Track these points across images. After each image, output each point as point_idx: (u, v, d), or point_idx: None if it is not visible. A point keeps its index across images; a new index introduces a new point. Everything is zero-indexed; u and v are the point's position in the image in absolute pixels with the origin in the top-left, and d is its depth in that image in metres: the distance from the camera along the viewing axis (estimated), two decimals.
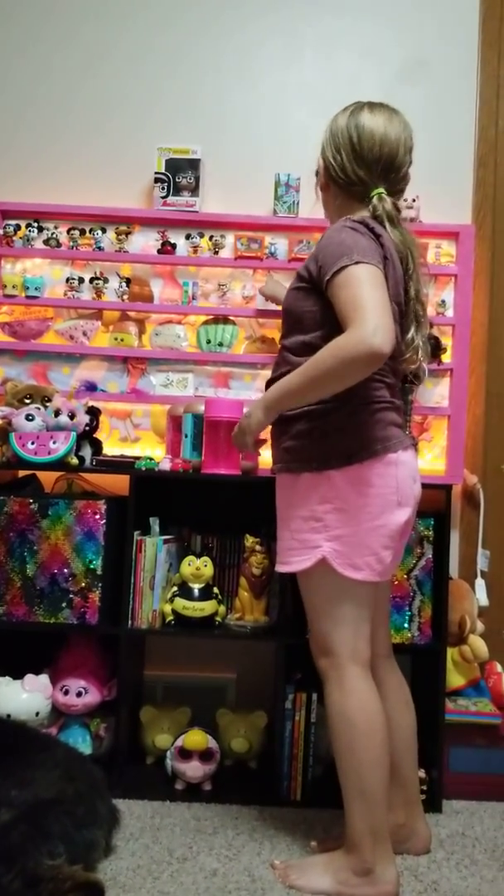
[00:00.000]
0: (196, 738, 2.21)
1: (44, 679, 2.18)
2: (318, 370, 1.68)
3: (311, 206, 2.69)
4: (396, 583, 2.24)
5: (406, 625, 2.25)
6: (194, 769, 2.20)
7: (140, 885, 1.72)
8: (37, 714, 2.13)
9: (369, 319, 1.60)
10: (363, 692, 1.76)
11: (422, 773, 2.19)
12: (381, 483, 1.75)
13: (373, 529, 1.75)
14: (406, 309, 1.86)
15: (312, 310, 1.79)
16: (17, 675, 2.17)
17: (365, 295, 1.64)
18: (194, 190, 2.71)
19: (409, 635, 2.26)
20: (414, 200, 2.70)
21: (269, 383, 1.91)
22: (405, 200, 2.68)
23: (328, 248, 1.74)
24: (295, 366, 1.77)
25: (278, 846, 1.94)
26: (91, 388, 2.72)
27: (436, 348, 2.57)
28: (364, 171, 1.85)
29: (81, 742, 2.25)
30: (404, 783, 1.91)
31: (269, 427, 1.90)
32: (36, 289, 2.71)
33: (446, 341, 2.70)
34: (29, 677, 2.16)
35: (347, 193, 1.89)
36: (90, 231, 2.73)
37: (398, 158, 1.86)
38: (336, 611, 1.79)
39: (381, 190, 1.86)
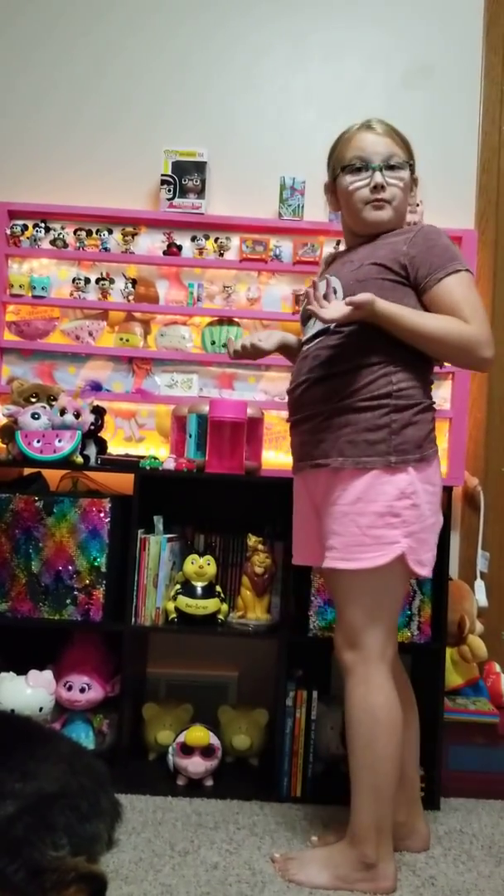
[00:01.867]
0: (198, 735, 2.23)
1: (48, 675, 2.21)
2: (440, 331, 1.76)
3: (316, 209, 2.74)
4: None
5: (406, 624, 2.27)
6: (196, 765, 2.23)
7: (142, 877, 1.75)
8: (40, 709, 2.15)
9: (485, 331, 1.76)
10: (389, 690, 1.78)
11: (420, 771, 2.22)
12: (438, 480, 1.84)
13: (433, 525, 1.82)
14: None
15: (405, 303, 1.80)
16: (22, 670, 2.19)
17: (478, 303, 1.79)
18: (200, 192, 2.74)
19: (409, 634, 2.28)
20: (417, 205, 2.72)
21: (316, 382, 1.85)
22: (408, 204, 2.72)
23: (436, 250, 1.81)
24: (358, 362, 1.80)
25: (278, 841, 1.96)
26: (96, 387, 2.75)
27: None
28: None
29: (84, 737, 2.28)
30: (407, 782, 1.92)
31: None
32: (42, 289, 2.74)
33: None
34: (33, 673, 2.18)
35: None
36: (97, 232, 2.76)
37: None
38: (379, 608, 1.79)
39: None
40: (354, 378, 1.80)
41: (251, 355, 2.06)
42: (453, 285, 1.77)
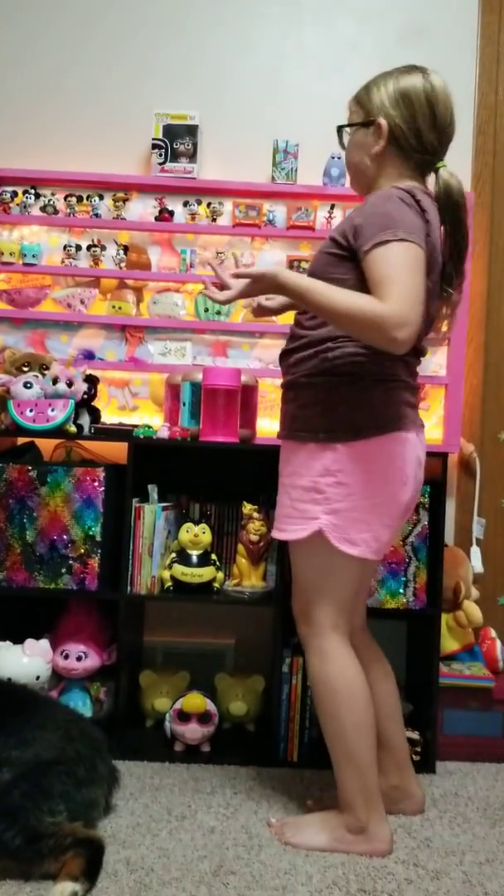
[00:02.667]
0: (195, 701, 2.24)
1: (44, 644, 2.21)
2: (347, 307, 1.61)
3: (309, 172, 2.70)
4: (392, 549, 2.26)
5: (401, 590, 2.28)
6: (193, 731, 2.24)
7: (139, 841, 1.76)
8: (37, 678, 2.15)
9: (398, 310, 1.57)
10: (342, 658, 1.78)
11: (416, 735, 2.24)
12: (386, 462, 1.74)
13: (374, 507, 1.74)
14: (440, 288, 1.80)
15: (345, 277, 1.71)
16: (18, 639, 2.19)
17: (402, 278, 1.60)
18: (192, 156, 2.70)
19: (405, 601, 2.28)
20: None
21: (283, 355, 1.88)
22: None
23: (372, 217, 1.66)
24: (310, 337, 1.78)
25: (275, 805, 1.98)
26: (89, 356, 2.73)
27: None
28: (437, 140, 1.76)
29: (82, 705, 2.29)
30: (392, 747, 1.93)
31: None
32: (33, 256, 2.70)
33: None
34: (29, 642, 2.18)
35: (409, 161, 1.77)
36: (87, 198, 2.72)
37: (454, 130, 1.80)
38: (323, 583, 1.80)
39: (444, 163, 1.79)
40: (301, 353, 1.81)
41: (264, 313, 2.08)
42: (377, 258, 1.62)
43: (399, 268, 1.61)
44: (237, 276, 1.79)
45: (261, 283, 1.74)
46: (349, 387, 1.74)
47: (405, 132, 1.74)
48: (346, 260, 1.72)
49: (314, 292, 1.66)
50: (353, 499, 1.74)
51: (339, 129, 1.86)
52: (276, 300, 2.04)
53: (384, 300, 1.58)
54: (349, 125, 1.84)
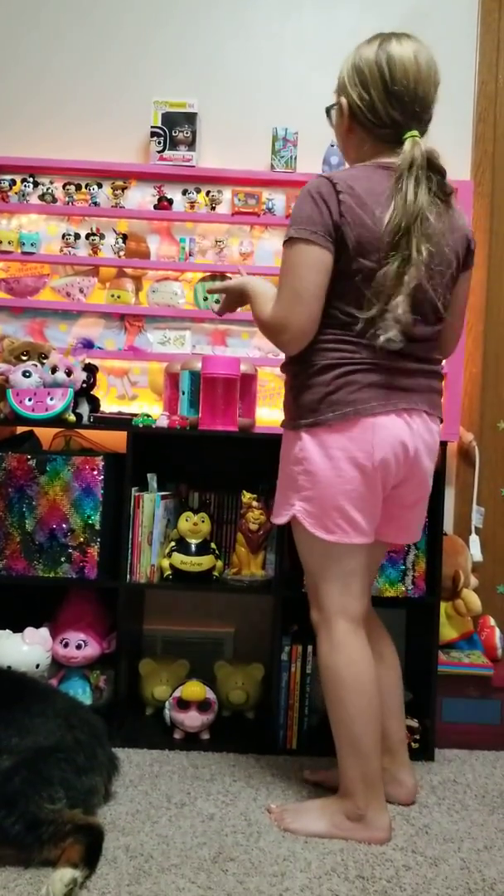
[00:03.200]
0: (194, 689, 2.25)
1: (44, 632, 2.21)
2: (257, 317, 1.80)
3: (309, 160, 2.69)
4: None
5: (400, 579, 2.28)
6: (192, 719, 2.25)
7: (139, 828, 1.77)
8: (37, 666, 2.16)
9: (275, 315, 1.70)
10: (351, 646, 1.78)
11: (415, 723, 2.25)
12: (350, 447, 1.70)
13: (341, 493, 1.72)
14: (385, 272, 1.65)
15: None
16: (18, 628, 2.20)
17: (283, 282, 1.69)
18: (191, 144, 2.69)
19: (404, 589, 2.29)
20: None
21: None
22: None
23: (294, 209, 1.73)
24: None
25: (274, 792, 1.99)
26: (88, 345, 2.72)
27: None
28: (398, 111, 1.68)
29: (81, 693, 2.29)
30: (386, 733, 1.92)
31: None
32: (32, 245, 2.70)
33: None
34: (29, 630, 2.19)
35: (377, 138, 1.72)
36: (86, 186, 2.71)
37: (430, 93, 1.70)
38: (323, 567, 1.81)
39: (416, 133, 1.68)
40: None
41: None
42: (282, 258, 1.71)
43: (283, 270, 1.70)
44: (210, 291, 2.01)
45: (233, 295, 1.91)
46: (306, 373, 1.75)
47: (362, 108, 1.70)
48: None
49: (252, 303, 1.82)
50: (320, 486, 1.74)
51: (327, 111, 1.84)
52: None
53: (273, 308, 1.72)
54: (329, 108, 1.83)
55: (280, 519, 1.85)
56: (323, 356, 1.73)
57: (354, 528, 1.75)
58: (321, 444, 1.73)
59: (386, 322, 1.66)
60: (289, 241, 1.68)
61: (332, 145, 2.68)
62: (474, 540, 2.72)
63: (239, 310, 1.99)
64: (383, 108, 1.69)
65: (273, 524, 1.94)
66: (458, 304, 1.87)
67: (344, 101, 1.74)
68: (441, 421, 1.87)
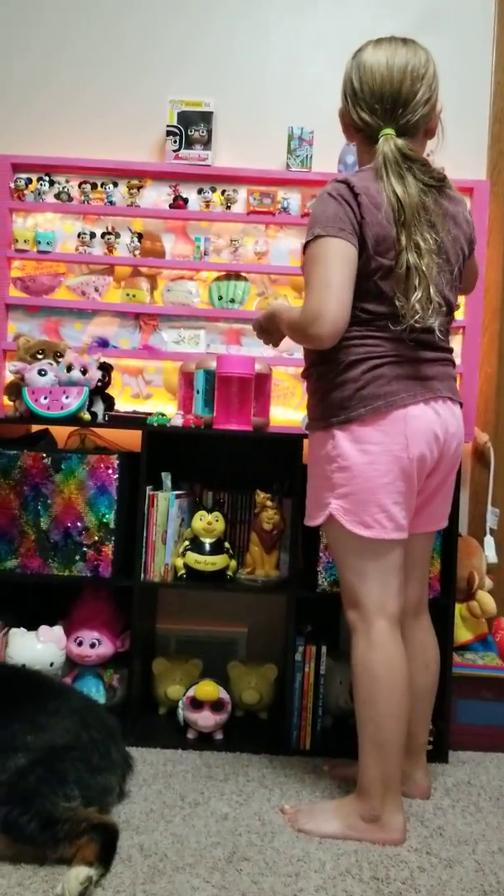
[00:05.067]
0: (207, 689, 2.25)
1: (58, 630, 2.22)
2: (285, 324, 1.84)
3: (324, 160, 2.69)
4: None
5: None
6: (205, 719, 2.25)
7: (153, 827, 1.77)
8: (51, 664, 2.17)
9: (309, 308, 1.68)
10: (388, 646, 1.77)
11: (429, 725, 2.24)
12: (386, 440, 1.73)
13: (379, 487, 1.74)
14: (397, 264, 1.71)
15: None
16: (32, 626, 2.20)
17: (313, 276, 1.69)
18: (207, 143, 2.69)
19: None
20: (428, 155, 2.65)
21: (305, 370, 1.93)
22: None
23: (309, 220, 1.75)
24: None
25: (288, 793, 1.98)
26: (103, 344, 2.72)
27: None
28: (367, 112, 1.75)
29: (95, 692, 2.30)
30: (411, 736, 1.91)
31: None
32: (48, 243, 2.70)
33: (459, 299, 2.68)
34: (43, 628, 2.19)
35: (362, 139, 1.82)
36: (102, 185, 2.71)
37: (403, 92, 1.72)
38: (359, 565, 1.79)
39: (390, 131, 1.74)
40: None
41: None
42: (305, 258, 1.74)
43: (310, 267, 1.71)
44: (258, 331, 2.06)
45: (268, 322, 1.98)
46: (334, 370, 1.77)
47: (345, 115, 1.82)
48: None
49: (282, 318, 1.87)
50: (356, 482, 1.74)
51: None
52: None
53: (305, 300, 1.71)
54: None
55: (315, 521, 1.84)
56: (349, 353, 1.75)
57: (393, 522, 1.76)
58: (355, 440, 1.74)
59: (409, 312, 1.70)
60: (314, 240, 1.69)
61: (348, 144, 2.67)
62: (489, 541, 2.71)
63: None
64: (354, 111, 1.78)
65: (307, 525, 1.91)
66: (469, 277, 1.98)
67: (340, 110, 1.85)
68: (461, 405, 1.89)
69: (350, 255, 1.69)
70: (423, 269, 1.70)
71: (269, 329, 1.98)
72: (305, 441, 2.26)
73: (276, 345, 2.04)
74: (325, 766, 2.05)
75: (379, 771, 1.75)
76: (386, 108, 1.74)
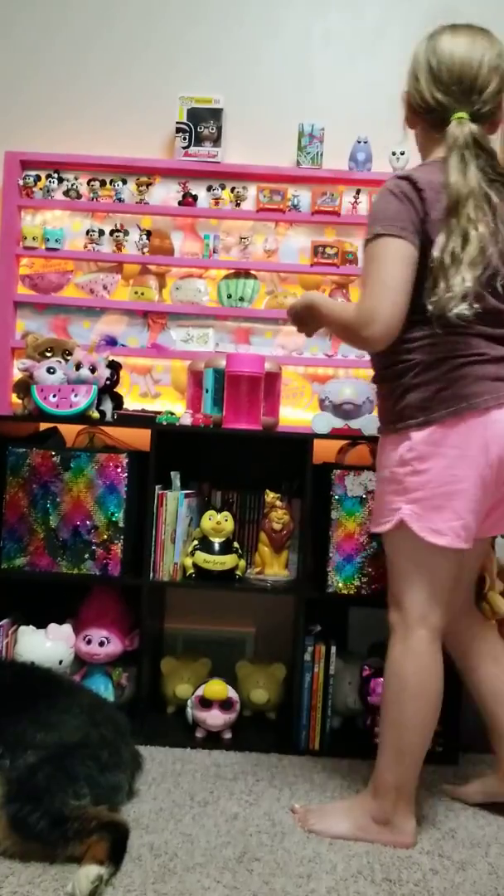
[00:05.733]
0: (216, 688, 2.24)
1: (67, 629, 2.21)
2: (336, 321, 1.77)
3: (335, 157, 2.68)
4: None
5: None
6: (214, 718, 2.24)
7: (163, 826, 1.76)
8: (60, 662, 2.16)
9: (363, 309, 1.64)
10: (424, 657, 1.73)
11: (438, 727, 2.23)
12: (464, 444, 1.66)
13: (455, 493, 1.66)
14: (464, 254, 1.62)
15: None
16: (41, 624, 2.20)
17: (371, 276, 1.65)
18: (216, 140, 2.68)
19: None
20: None
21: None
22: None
23: (368, 218, 1.71)
24: None
25: (297, 792, 1.97)
26: (111, 342, 2.72)
27: None
28: (442, 93, 1.69)
29: (104, 690, 2.28)
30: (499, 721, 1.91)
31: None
32: (56, 241, 2.70)
33: None
34: (52, 627, 2.19)
35: (428, 123, 1.75)
36: (110, 182, 2.71)
37: (480, 78, 1.68)
38: (413, 573, 1.74)
39: (464, 114, 1.68)
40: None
41: None
42: (364, 257, 1.69)
43: (368, 267, 1.66)
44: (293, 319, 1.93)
45: (305, 312, 1.86)
46: (415, 371, 1.70)
47: (414, 96, 1.75)
48: None
49: (327, 312, 1.79)
50: (431, 486, 1.67)
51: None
52: None
53: (361, 300, 1.66)
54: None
55: (383, 527, 1.76)
56: (430, 352, 1.68)
57: (466, 531, 1.69)
58: (433, 443, 1.67)
59: (452, 298, 1.61)
60: (373, 238, 1.65)
61: (359, 142, 2.67)
62: (501, 543, 2.68)
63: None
64: (428, 90, 1.72)
65: (372, 532, 1.87)
66: None
67: (405, 94, 1.79)
68: None
69: (409, 256, 1.63)
70: (467, 255, 1.61)
71: (305, 319, 1.88)
72: (316, 441, 2.27)
73: (309, 334, 1.95)
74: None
75: (394, 777, 1.73)
76: (463, 91, 1.69)
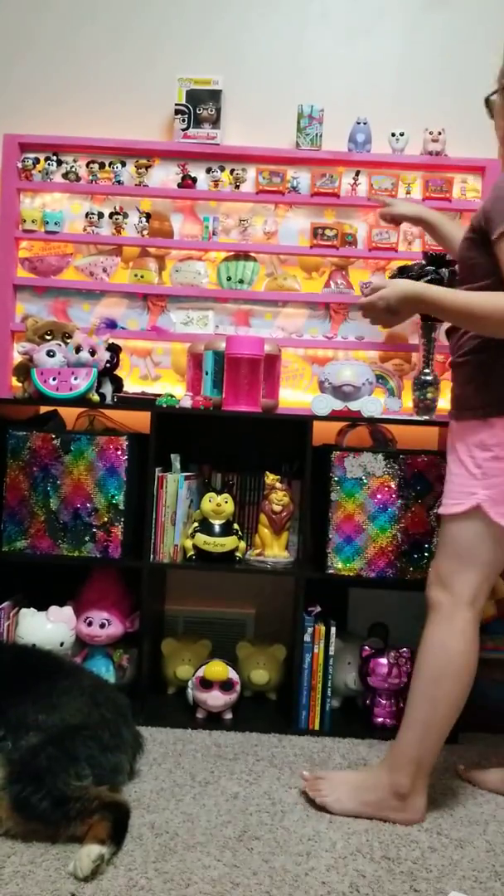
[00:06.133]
0: (217, 669, 2.25)
1: (68, 611, 2.22)
2: (481, 308, 1.65)
3: (335, 138, 2.66)
4: (416, 519, 2.26)
5: (425, 560, 2.27)
6: (215, 698, 2.25)
7: (164, 806, 1.78)
8: (61, 644, 2.17)
9: None
10: (469, 637, 1.76)
11: None
12: None
13: None
14: None
15: (480, 261, 1.72)
16: (42, 606, 2.21)
17: None
18: (215, 122, 2.66)
19: (428, 571, 2.27)
20: (440, 133, 2.64)
21: (448, 333, 1.87)
22: (430, 133, 2.63)
23: (497, 203, 1.66)
24: None
25: (297, 772, 1.98)
26: (111, 325, 2.71)
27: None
28: None
29: (105, 672, 2.30)
30: None
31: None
32: (55, 224, 2.69)
33: None
34: (53, 609, 2.20)
35: None
36: (110, 164, 2.69)
37: None
38: (474, 556, 1.76)
39: None
40: (459, 333, 1.81)
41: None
42: (500, 252, 1.64)
43: None
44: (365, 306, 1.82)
45: (384, 298, 1.76)
46: (499, 361, 1.72)
47: None
48: (479, 244, 1.72)
49: (449, 299, 1.69)
50: None
51: (487, 101, 1.83)
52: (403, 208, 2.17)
53: None
54: (489, 96, 1.82)
55: (453, 510, 1.78)
56: None
57: None
58: None
59: None
60: None
61: (359, 123, 2.65)
62: None
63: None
64: None
65: (442, 514, 1.83)
66: None
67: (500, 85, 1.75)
68: None
69: None
70: None
71: (401, 311, 1.79)
72: (315, 423, 2.27)
73: (389, 326, 1.91)
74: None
75: (417, 751, 1.75)
76: None
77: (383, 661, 2.29)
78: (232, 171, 2.68)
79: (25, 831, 1.59)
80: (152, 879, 1.49)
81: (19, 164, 2.68)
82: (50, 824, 1.56)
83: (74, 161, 2.70)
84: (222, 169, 2.68)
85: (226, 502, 2.33)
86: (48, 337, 2.43)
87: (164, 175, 2.73)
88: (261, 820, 1.74)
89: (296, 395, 2.70)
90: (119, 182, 2.69)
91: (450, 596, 1.78)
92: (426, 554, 2.27)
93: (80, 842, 1.53)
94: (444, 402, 2.47)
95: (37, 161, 2.69)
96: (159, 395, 2.40)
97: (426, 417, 2.47)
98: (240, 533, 2.38)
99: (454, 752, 2.17)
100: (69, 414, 2.54)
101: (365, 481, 2.26)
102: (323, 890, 1.49)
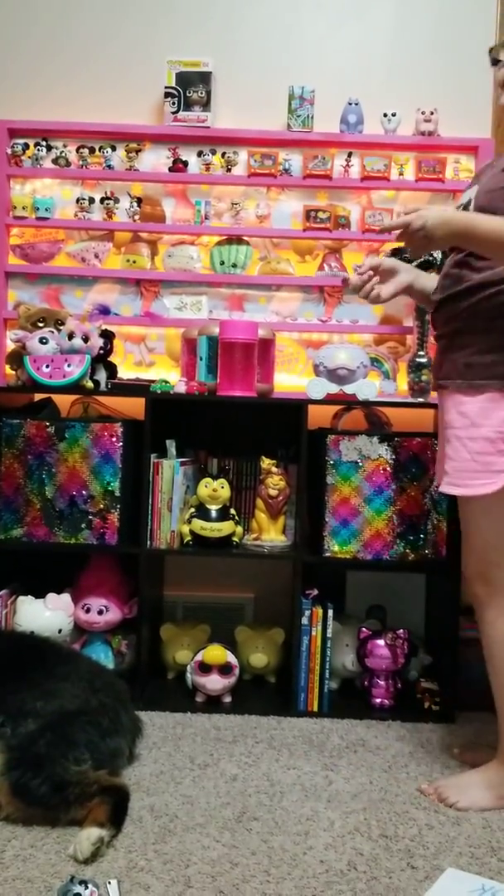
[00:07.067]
0: (215, 653, 2.26)
1: (65, 598, 2.23)
2: None
3: (326, 119, 2.64)
4: (412, 501, 2.26)
5: (421, 542, 2.27)
6: (214, 682, 2.26)
7: (163, 789, 1.79)
8: (59, 631, 2.18)
9: None
10: None
11: (435, 686, 2.26)
12: None
13: None
14: None
15: None
16: (40, 594, 2.22)
17: None
18: (206, 105, 2.64)
19: (425, 553, 2.28)
20: (432, 113, 2.63)
21: (446, 300, 1.79)
22: (422, 113, 2.62)
23: None
24: (474, 281, 1.70)
25: (296, 753, 2.00)
26: (104, 311, 2.70)
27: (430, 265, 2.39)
28: None
29: (104, 658, 2.31)
30: None
31: (437, 336, 1.81)
32: (46, 210, 2.67)
33: None
34: (51, 596, 2.21)
35: None
36: (100, 149, 2.68)
37: None
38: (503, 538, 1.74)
39: None
40: (475, 298, 1.71)
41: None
42: None
43: None
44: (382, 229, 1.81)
45: (414, 237, 1.66)
46: None
47: None
48: None
49: (481, 226, 1.61)
50: None
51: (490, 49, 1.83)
52: (395, 284, 1.91)
53: None
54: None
55: (481, 489, 1.71)
56: None
57: None
58: None
59: None
60: None
61: (350, 103, 2.63)
62: None
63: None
64: None
65: (462, 496, 1.78)
66: None
67: None
68: None
69: None
70: None
71: (435, 235, 1.65)
72: (311, 407, 2.27)
73: (418, 253, 1.85)
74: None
75: None
76: None
77: (381, 642, 2.30)
78: (223, 154, 2.67)
79: (26, 816, 1.60)
80: (152, 861, 1.50)
81: (9, 150, 2.67)
82: (50, 809, 1.58)
83: (64, 146, 2.69)
84: (213, 152, 2.67)
85: (222, 487, 2.33)
86: (41, 324, 2.43)
87: (155, 159, 2.71)
88: (259, 801, 1.76)
89: (290, 379, 2.69)
90: (110, 167, 2.68)
91: (493, 588, 1.76)
92: (422, 536, 2.27)
93: (80, 825, 1.55)
94: None
95: (26, 147, 2.68)
96: (153, 381, 2.39)
97: (421, 400, 2.47)
98: (237, 518, 2.38)
99: (451, 731, 2.19)
100: (63, 401, 2.54)
101: (360, 464, 2.26)
102: (321, 868, 1.50)
